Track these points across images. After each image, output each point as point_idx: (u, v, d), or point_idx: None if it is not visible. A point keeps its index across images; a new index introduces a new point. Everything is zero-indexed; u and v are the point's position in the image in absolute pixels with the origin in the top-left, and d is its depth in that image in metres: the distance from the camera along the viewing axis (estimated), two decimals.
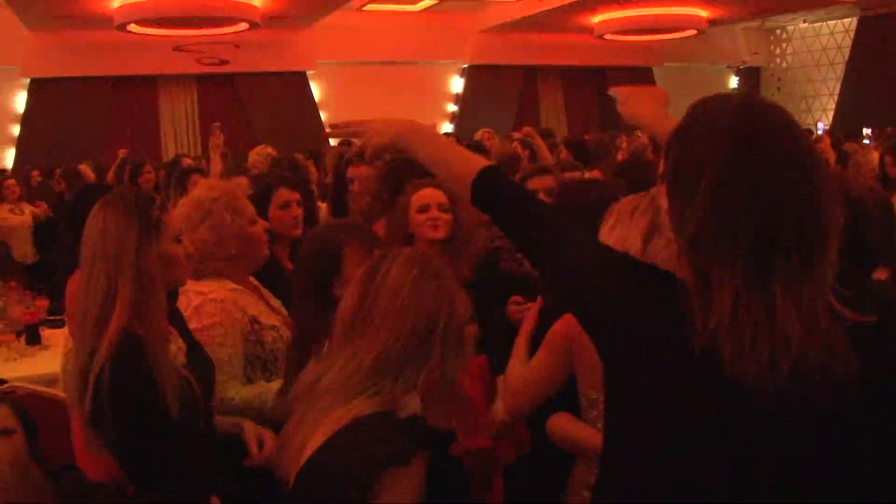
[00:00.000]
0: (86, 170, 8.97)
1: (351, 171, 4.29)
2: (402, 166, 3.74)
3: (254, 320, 2.65)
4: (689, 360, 1.27)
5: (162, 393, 2.04)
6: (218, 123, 7.41)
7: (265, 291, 2.88)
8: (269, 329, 2.68)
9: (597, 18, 15.89)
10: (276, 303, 2.86)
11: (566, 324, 2.23)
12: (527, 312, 2.76)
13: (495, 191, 1.61)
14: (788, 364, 1.21)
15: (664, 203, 1.37)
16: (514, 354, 2.43)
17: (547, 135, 8.78)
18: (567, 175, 4.26)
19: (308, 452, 1.61)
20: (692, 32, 16.68)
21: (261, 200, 3.31)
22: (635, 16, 15.34)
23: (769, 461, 1.27)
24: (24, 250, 8.41)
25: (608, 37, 16.62)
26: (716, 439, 1.30)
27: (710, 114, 1.34)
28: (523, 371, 2.35)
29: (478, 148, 8.49)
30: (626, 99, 2.01)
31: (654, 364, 1.34)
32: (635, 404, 1.40)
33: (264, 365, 2.66)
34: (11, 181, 8.93)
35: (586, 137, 6.30)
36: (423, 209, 3.10)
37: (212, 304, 2.58)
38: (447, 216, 3.11)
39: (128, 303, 2.04)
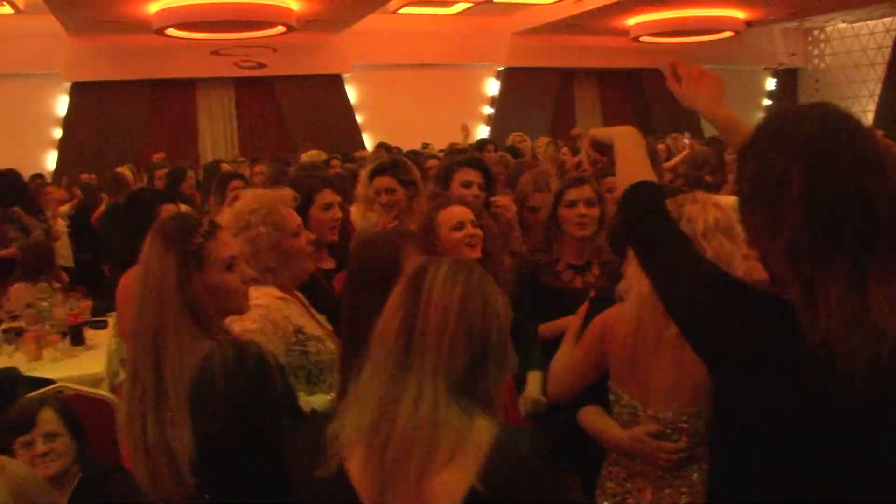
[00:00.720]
0: (126, 172, 9.06)
1: (377, 182, 3.96)
2: (451, 159, 3.72)
3: (299, 330, 2.61)
4: (802, 362, 1.31)
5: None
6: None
7: (311, 308, 2.83)
8: (314, 340, 2.63)
9: (633, 21, 15.80)
10: (321, 318, 2.82)
11: (601, 321, 2.36)
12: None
13: (636, 204, 1.66)
14: (888, 356, 1.26)
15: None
16: (561, 350, 2.53)
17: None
18: (610, 180, 4.24)
19: (457, 494, 1.48)
20: (729, 34, 16.53)
21: (304, 200, 3.24)
22: (672, 18, 15.21)
23: (881, 454, 1.32)
24: (62, 254, 8.49)
25: (644, 39, 16.52)
26: (832, 436, 1.33)
27: (785, 126, 1.39)
28: (561, 361, 2.48)
29: (513, 152, 8.48)
30: (687, 81, 1.95)
31: (769, 372, 1.37)
32: (753, 413, 1.43)
33: (308, 376, 2.60)
34: (50, 187, 9.00)
35: None
36: (458, 227, 3.00)
37: (256, 309, 2.50)
38: (479, 231, 3.04)
39: (180, 336, 1.93)
